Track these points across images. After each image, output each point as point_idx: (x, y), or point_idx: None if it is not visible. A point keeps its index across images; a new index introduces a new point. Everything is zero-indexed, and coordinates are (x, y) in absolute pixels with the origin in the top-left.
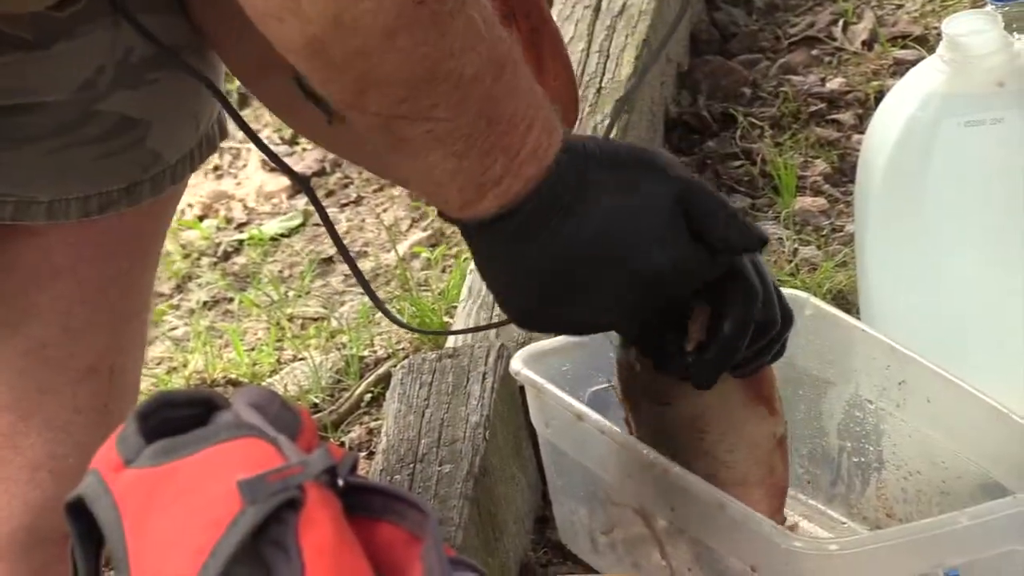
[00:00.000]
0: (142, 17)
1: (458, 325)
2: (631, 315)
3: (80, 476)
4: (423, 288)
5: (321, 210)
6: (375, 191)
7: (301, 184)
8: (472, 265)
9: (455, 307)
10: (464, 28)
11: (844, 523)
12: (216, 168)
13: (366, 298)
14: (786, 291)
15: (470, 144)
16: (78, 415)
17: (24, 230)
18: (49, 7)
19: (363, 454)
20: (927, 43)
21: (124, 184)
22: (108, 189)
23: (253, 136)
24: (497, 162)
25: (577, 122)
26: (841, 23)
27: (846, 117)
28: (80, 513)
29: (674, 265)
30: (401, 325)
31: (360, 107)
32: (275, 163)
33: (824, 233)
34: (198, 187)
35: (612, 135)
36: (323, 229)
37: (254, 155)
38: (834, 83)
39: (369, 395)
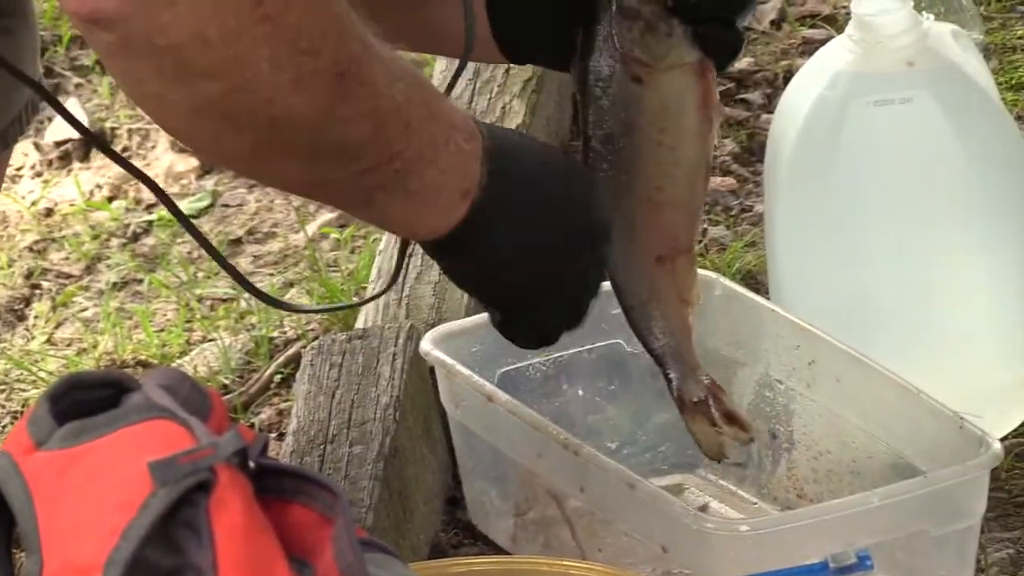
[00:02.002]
0: None
1: (368, 306)
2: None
3: None
4: (332, 269)
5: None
6: None
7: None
8: (381, 246)
9: (364, 287)
10: (382, 69)
11: (755, 503)
12: (125, 149)
13: (275, 279)
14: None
15: (439, 150)
16: None
17: None
18: None
19: (273, 435)
20: (836, 22)
21: None
22: None
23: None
24: (467, 156)
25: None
26: None
27: (755, 96)
28: None
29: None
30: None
31: (323, 176)
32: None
33: (733, 213)
34: (107, 168)
35: (522, 113)
36: (231, 209)
37: (163, 136)
38: (743, 62)
39: (279, 376)
